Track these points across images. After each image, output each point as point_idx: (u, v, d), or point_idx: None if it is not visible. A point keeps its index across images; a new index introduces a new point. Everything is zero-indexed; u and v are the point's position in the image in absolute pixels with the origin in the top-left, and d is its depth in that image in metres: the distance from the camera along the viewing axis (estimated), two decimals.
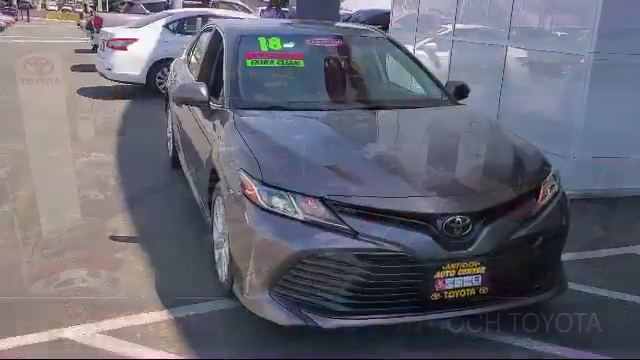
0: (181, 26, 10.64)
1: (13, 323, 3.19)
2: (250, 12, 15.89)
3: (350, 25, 5.80)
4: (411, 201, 2.86)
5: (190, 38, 10.31)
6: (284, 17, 19.29)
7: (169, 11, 11.64)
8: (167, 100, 6.23)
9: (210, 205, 3.75)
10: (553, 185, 3.28)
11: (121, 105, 9.66)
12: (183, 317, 3.32)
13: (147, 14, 15.86)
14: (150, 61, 10.20)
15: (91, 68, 12.22)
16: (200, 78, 4.70)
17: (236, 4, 16.28)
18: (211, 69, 4.64)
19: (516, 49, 6.34)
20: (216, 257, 3.66)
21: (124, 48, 10.14)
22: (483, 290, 2.92)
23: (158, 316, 3.32)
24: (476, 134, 3.76)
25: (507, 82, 6.46)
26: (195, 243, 4.27)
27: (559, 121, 5.64)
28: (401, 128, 3.82)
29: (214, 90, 4.06)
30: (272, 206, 2.90)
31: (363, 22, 20.04)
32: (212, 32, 4.90)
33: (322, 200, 2.84)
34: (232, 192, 3.13)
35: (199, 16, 11.08)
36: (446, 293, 2.86)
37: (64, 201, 5.08)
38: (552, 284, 3.20)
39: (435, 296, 2.85)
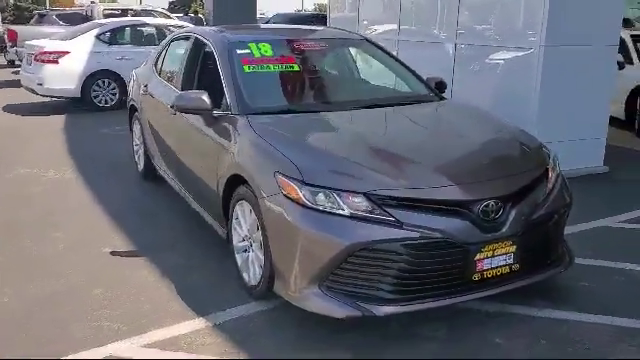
0: (114, 36, 10.39)
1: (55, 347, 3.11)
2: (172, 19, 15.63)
3: (326, 28, 5.91)
4: (448, 190, 3.05)
5: (125, 48, 10.27)
6: (202, 24, 19.17)
7: (100, 21, 11.30)
8: (131, 113, 6.12)
9: (225, 212, 3.79)
10: (554, 167, 3.59)
11: (60, 120, 9.34)
12: (220, 323, 3.34)
13: (61, 25, 15.30)
14: (84, 74, 9.91)
15: (14, 84, 11.70)
16: (186, 87, 4.69)
17: (155, 11, 15.97)
18: (198, 77, 4.66)
19: (467, 45, 6.71)
20: (239, 262, 3.71)
21: (55, 61, 9.78)
22: (515, 267, 3.17)
23: (195, 325, 3.32)
24: (481, 125, 4.01)
25: (458, 78, 6.82)
26: (201, 252, 4.29)
27: (515, 110, 6.03)
28: (412, 123, 4.01)
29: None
30: (317, 204, 3.00)
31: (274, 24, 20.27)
32: (190, 41, 4.89)
33: (366, 195, 2.97)
34: (267, 195, 3.19)
35: (132, 26, 10.85)
36: (485, 273, 3.08)
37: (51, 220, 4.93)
38: (563, 258, 3.49)
39: (476, 276, 3.06)
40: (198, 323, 3.35)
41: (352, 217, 2.96)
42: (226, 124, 3.85)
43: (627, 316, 3.37)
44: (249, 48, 4.35)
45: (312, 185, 3.04)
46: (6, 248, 4.41)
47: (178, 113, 4.50)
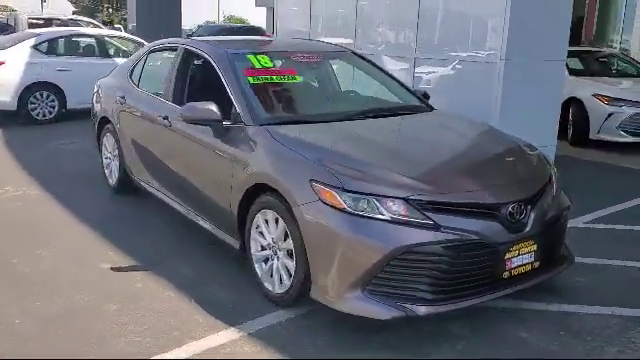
0: (52, 47, 9.97)
1: None
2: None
3: (311, 41, 5.99)
4: (479, 193, 3.26)
5: (64, 59, 9.88)
6: None
7: (36, 31, 10.79)
8: (101, 126, 5.95)
9: (240, 223, 3.81)
10: (554, 170, 3.89)
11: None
12: (254, 332, 3.36)
13: None
14: (21, 85, 9.44)
15: None
16: (177, 99, 4.66)
17: (83, 21, 15.45)
18: (191, 89, 4.64)
19: (427, 59, 7.03)
20: (259, 272, 3.74)
21: None
22: (535, 265, 3.41)
23: (229, 335, 3.32)
24: (485, 133, 4.26)
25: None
26: (206, 261, 4.27)
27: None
28: (422, 132, 4.20)
29: None
30: (358, 210, 3.11)
31: (200, 36, 20.15)
32: (179, 52, 4.85)
33: (406, 200, 3.11)
34: (303, 202, 3.26)
35: (70, 36, 10.47)
36: (512, 271, 3.29)
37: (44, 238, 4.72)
38: (567, 256, 3.78)
39: (505, 274, 3.27)
40: (231, 333, 3.35)
41: (393, 222, 3.09)
42: (239, 134, 3.87)
43: (628, 306, 3.68)
44: (249, 60, 4.39)
45: (352, 192, 3.14)
46: None
47: (173, 125, 4.49)
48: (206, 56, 4.51)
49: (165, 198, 4.86)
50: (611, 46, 14.54)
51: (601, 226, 5.24)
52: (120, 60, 10.43)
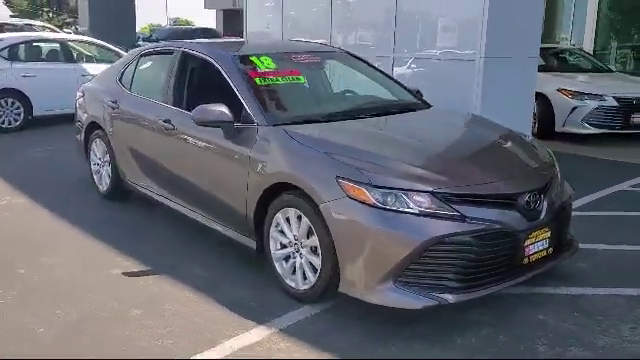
0: (15, 53, 9.69)
1: None
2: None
3: (306, 42, 5.99)
4: (499, 184, 3.42)
5: (29, 65, 9.62)
6: None
7: None
8: (89, 132, 5.86)
9: (256, 223, 3.86)
10: (556, 160, 4.09)
11: None
12: (284, 328, 3.41)
13: None
14: None
15: None
16: (177, 102, 4.66)
17: (36, 26, 15.03)
18: (193, 92, 4.65)
19: (408, 58, 7.20)
20: (279, 270, 3.80)
21: None
22: (550, 250, 3.59)
23: (261, 332, 3.37)
24: (487, 127, 4.42)
25: None
26: (217, 262, 4.30)
27: None
28: (432, 128, 4.34)
29: None
30: (387, 204, 3.21)
31: (157, 40, 19.92)
32: (176, 55, 4.84)
33: (432, 193, 3.24)
34: (330, 199, 3.33)
35: (33, 41, 10.21)
36: (530, 257, 3.46)
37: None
38: (572, 242, 3.98)
39: (525, 261, 3.44)
40: (262, 331, 3.39)
41: (421, 214, 3.20)
42: (252, 135, 3.92)
43: (630, 286, 3.91)
44: (253, 62, 4.44)
45: (380, 187, 3.24)
46: (3, 275, 4.12)
47: (177, 127, 4.50)
48: (208, 59, 4.52)
49: (167, 201, 4.84)
50: (558, 44, 15.16)
51: (586, 213, 5.50)
52: (86, 65, 10.28)
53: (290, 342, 3.27)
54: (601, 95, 8.87)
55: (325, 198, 3.37)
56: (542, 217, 3.50)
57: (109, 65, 10.22)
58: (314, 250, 3.55)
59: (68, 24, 49.18)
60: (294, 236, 3.67)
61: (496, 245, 3.31)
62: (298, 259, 3.67)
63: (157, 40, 19.66)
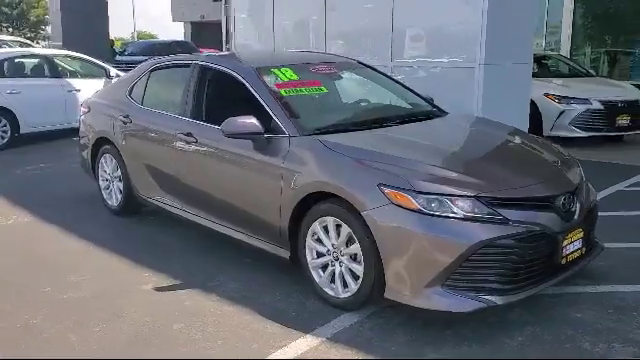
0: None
1: None
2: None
3: (320, 53, 6.03)
4: (537, 187, 3.51)
5: (15, 81, 9.44)
6: None
7: None
8: (97, 147, 5.81)
9: (290, 234, 3.89)
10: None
11: None
12: (332, 336, 3.43)
13: None
14: None
15: None
16: (198, 115, 4.67)
17: (7, 42, 14.77)
18: (213, 105, 4.66)
19: (408, 68, 7.32)
20: (317, 279, 3.82)
21: None
22: (583, 250, 3.70)
23: (309, 341, 3.38)
24: (511, 132, 4.53)
25: None
26: (248, 274, 4.30)
27: None
28: (458, 134, 4.43)
29: None
30: (431, 210, 3.28)
31: (132, 54, 19.75)
32: (194, 69, 4.83)
33: (476, 198, 3.31)
34: (373, 207, 3.38)
35: (17, 57, 10.06)
36: (567, 257, 3.56)
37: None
38: (597, 242, 4.09)
39: (563, 261, 3.54)
40: (310, 339, 3.41)
41: (467, 219, 3.27)
42: (283, 146, 3.94)
43: None
44: (275, 74, 4.48)
45: (425, 193, 3.31)
46: (29, 295, 4.05)
47: (200, 140, 4.50)
48: (230, 72, 4.54)
49: (188, 215, 4.82)
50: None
51: None
52: (72, 80, 10.16)
53: (341, 349, 3.30)
54: (587, 99, 9.14)
55: (368, 206, 3.41)
56: (576, 218, 3.61)
57: (96, 80, 10.34)
58: (354, 257, 3.59)
59: (31, 39, 48.33)
60: (332, 245, 3.70)
61: (537, 246, 3.40)
62: (337, 267, 3.70)
63: (132, 54, 19.50)
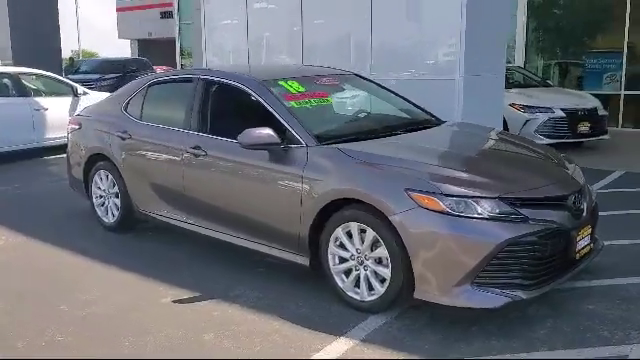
0: None
1: None
2: None
3: (319, 67, 6.12)
4: (551, 187, 3.74)
5: None
6: None
7: None
8: (91, 164, 5.74)
9: (310, 241, 3.99)
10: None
11: None
12: (364, 338, 3.53)
13: None
14: None
15: None
16: (203, 128, 4.71)
17: None
18: (220, 118, 4.72)
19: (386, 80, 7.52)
20: (340, 283, 3.92)
21: None
22: (591, 246, 3.94)
23: (343, 344, 3.46)
24: (512, 137, 4.77)
25: None
26: (263, 282, 4.35)
27: None
28: (466, 141, 4.62)
29: None
30: (459, 212, 3.44)
31: (86, 72, 19.39)
32: (197, 83, 4.87)
33: (500, 199, 3.50)
34: (401, 211, 3.52)
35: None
36: (579, 252, 3.79)
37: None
38: (597, 239, 4.33)
39: (576, 256, 3.76)
40: (344, 342, 3.50)
41: (492, 219, 3.45)
42: (301, 155, 4.04)
43: None
44: (282, 86, 4.58)
45: (451, 195, 3.47)
46: (46, 313, 3.98)
47: (210, 153, 4.54)
48: (239, 85, 4.62)
49: (196, 228, 4.83)
50: None
51: None
52: (39, 99, 9.96)
53: (376, 350, 3.40)
54: (550, 108, 9.61)
55: (396, 210, 3.55)
56: (585, 215, 3.84)
57: (63, 98, 10.17)
58: (379, 261, 3.70)
59: None
60: (357, 249, 3.81)
61: (555, 242, 3.60)
62: (362, 271, 3.81)
63: (86, 72, 19.15)
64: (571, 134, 9.62)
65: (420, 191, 3.51)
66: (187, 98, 4.92)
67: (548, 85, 11.47)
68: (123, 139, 5.32)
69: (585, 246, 3.86)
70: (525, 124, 9.56)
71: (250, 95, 4.50)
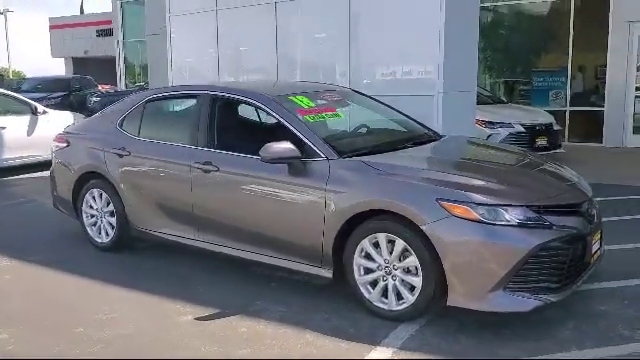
0: None
1: None
2: None
3: (316, 83, 6.15)
4: (568, 195, 3.96)
5: None
6: None
7: None
8: (82, 182, 5.58)
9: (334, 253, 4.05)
10: None
11: None
12: (401, 346, 3.59)
13: None
14: None
15: None
16: (210, 144, 4.70)
17: None
18: (227, 133, 4.72)
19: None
20: (366, 294, 3.98)
21: None
22: (601, 250, 4.17)
23: (379, 354, 3.52)
24: (513, 149, 4.97)
25: None
26: (285, 296, 4.35)
27: None
28: (476, 153, 4.79)
29: None
30: (491, 220, 3.58)
31: (28, 90, 18.71)
32: (204, 98, 4.84)
33: (527, 207, 3.67)
34: (433, 220, 3.63)
35: None
36: (593, 255, 4.01)
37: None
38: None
39: (590, 259, 3.97)
40: (381, 352, 3.55)
41: (521, 226, 3.61)
42: (322, 168, 4.09)
43: None
44: (293, 101, 4.64)
45: (482, 204, 3.61)
46: (65, 335, 3.86)
47: (222, 169, 4.53)
48: (250, 101, 4.64)
49: (204, 244, 4.77)
50: None
51: None
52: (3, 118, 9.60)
53: (421, 356, 3.48)
54: (510, 123, 10.05)
55: (428, 220, 3.65)
56: (596, 220, 4.07)
57: (20, 117, 9.80)
58: (408, 270, 3.79)
59: None
60: (385, 260, 3.88)
61: (576, 247, 3.80)
62: (390, 281, 3.88)
63: (27, 91, 18.44)
64: (530, 148, 10.04)
65: (452, 200, 3.64)
66: (193, 114, 4.90)
67: (503, 102, 11.97)
68: (120, 156, 5.21)
69: (597, 250, 4.08)
70: (487, 139, 9.92)
71: (263, 111, 4.52)
